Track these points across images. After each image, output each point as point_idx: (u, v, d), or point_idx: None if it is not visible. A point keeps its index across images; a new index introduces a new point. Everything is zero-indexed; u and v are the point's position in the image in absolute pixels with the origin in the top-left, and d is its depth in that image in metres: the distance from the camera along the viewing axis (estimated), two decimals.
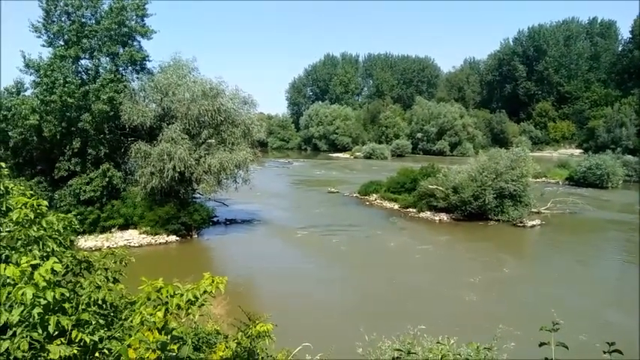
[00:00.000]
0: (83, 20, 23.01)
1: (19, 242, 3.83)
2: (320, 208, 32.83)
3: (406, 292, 16.37)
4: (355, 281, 17.67)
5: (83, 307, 3.33)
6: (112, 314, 3.60)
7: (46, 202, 4.07)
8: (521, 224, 26.84)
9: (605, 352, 2.48)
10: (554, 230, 26.32)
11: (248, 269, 18.89)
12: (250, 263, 19.74)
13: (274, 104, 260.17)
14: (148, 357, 2.91)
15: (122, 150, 24.27)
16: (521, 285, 17.16)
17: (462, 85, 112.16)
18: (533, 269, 19.18)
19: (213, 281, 3.39)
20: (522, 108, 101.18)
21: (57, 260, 3.23)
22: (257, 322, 4.40)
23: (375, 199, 34.48)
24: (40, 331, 2.93)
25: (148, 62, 24.43)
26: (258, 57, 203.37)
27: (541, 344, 2.74)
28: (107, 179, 22.73)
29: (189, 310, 3.26)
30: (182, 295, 3.27)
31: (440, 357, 4.55)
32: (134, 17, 23.54)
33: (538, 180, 42.52)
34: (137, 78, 24.47)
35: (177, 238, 22.83)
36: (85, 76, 23.36)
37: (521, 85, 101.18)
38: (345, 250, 21.71)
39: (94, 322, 3.24)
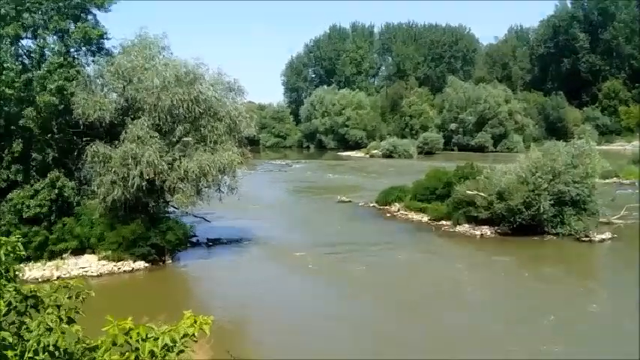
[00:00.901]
0: None
1: None
2: (328, 222, 32.72)
3: (446, 336, 16.08)
4: (377, 320, 17.60)
5: (30, 355, 3.37)
6: None
7: None
8: (587, 238, 26.69)
9: None
10: (630, 246, 26.13)
11: (237, 304, 18.90)
12: (240, 296, 19.75)
13: (267, 91, 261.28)
14: None
15: (75, 153, 24.37)
16: (600, 323, 16.79)
17: (507, 61, 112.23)
18: (611, 300, 18.87)
19: (195, 322, 3.42)
20: (585, 88, 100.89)
21: None
22: None
23: (399, 210, 34.37)
24: None
25: (106, 41, 24.62)
26: (245, 33, 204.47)
27: None
28: (57, 191, 22.80)
29: (166, 358, 3.29)
30: (157, 338, 3.30)
31: None
32: None
33: (607, 181, 42.24)
34: (93, 61, 24.59)
35: (147, 265, 22.85)
36: (27, 61, 23.55)
37: (583, 59, 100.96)
38: (362, 279, 21.68)
39: None
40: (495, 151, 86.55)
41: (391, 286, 20.79)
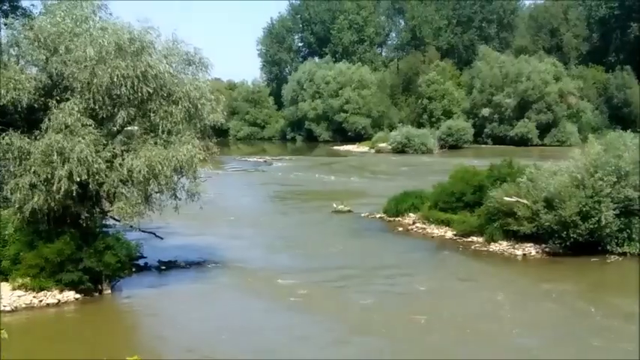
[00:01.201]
0: None
1: None
2: (321, 239, 32.71)
3: None
4: None
5: None
6: None
7: None
8: None
9: None
10: None
11: (199, 350, 18.74)
12: (204, 342, 19.57)
13: (239, 66, 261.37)
14: None
15: None
16: None
17: (557, 26, 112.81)
18: None
19: None
20: None
21: None
22: None
23: (414, 223, 34.43)
24: None
25: None
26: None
27: None
28: None
29: None
30: None
31: None
32: None
33: None
34: (5, 25, 24.33)
35: (79, 296, 22.64)
36: None
37: None
38: (367, 316, 21.53)
39: None
40: (542, 145, 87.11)
41: (407, 326, 20.64)
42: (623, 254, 27.38)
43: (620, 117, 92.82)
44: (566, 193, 27.28)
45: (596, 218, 26.81)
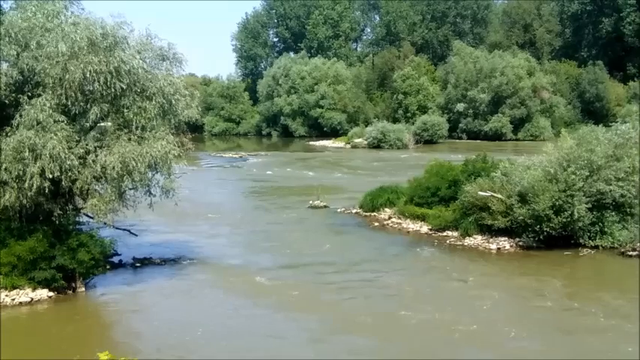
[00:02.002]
0: None
1: None
2: (297, 235, 32.77)
3: None
4: None
5: None
6: None
7: None
8: (635, 252, 27.10)
9: None
10: None
11: (174, 348, 18.68)
12: (178, 339, 19.48)
13: (214, 62, 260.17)
14: None
15: None
16: None
17: (530, 22, 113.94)
18: None
19: None
20: (632, 57, 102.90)
21: None
22: None
23: (390, 218, 34.63)
24: None
25: None
26: None
27: None
28: None
29: None
30: None
31: None
32: None
33: None
34: None
35: (52, 294, 22.47)
36: None
37: (629, 18, 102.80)
38: (345, 314, 21.51)
39: None
40: (516, 139, 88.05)
41: (387, 324, 20.53)
42: (596, 247, 27.66)
43: (592, 111, 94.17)
44: (539, 188, 27.53)
45: (569, 212, 27.08)
